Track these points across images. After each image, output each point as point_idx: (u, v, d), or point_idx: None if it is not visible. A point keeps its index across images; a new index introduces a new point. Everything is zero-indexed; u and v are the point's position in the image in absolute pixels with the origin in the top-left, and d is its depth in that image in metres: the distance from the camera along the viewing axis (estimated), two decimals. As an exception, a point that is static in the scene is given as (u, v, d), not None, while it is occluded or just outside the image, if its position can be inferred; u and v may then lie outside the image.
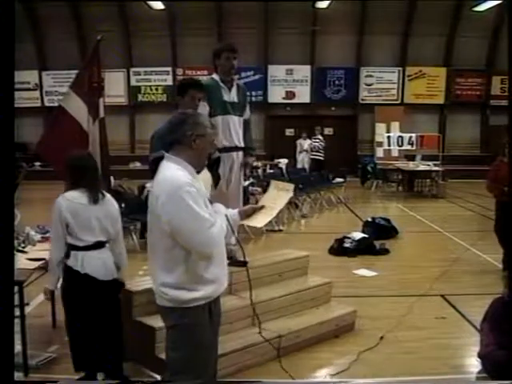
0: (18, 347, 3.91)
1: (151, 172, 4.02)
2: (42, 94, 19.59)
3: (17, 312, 3.87)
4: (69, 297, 3.76)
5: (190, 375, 2.84)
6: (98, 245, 3.75)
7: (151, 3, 17.44)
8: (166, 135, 3.01)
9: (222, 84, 4.69)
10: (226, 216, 2.88)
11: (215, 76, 4.74)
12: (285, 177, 13.55)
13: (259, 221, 3.14)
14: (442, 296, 6.11)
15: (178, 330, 2.83)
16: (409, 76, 19.73)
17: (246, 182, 9.42)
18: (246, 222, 3.17)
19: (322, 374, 4.35)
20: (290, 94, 19.82)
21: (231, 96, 4.74)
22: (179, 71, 19.28)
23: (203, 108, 4.47)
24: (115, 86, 18.95)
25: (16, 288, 3.91)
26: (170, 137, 2.83)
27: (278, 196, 3.30)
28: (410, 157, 16.61)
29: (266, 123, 19.59)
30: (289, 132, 19.85)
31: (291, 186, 3.44)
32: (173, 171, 2.71)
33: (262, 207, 3.09)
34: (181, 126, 2.79)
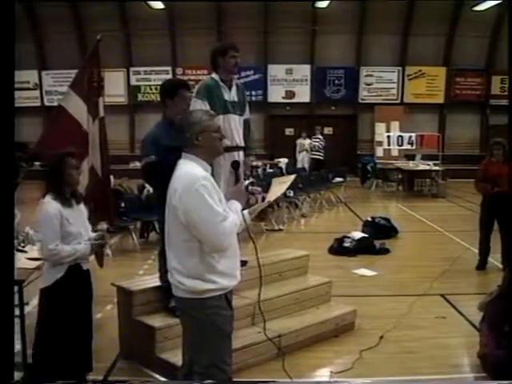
0: (17, 347, 3.91)
1: (144, 175, 4.03)
2: (41, 94, 19.57)
3: (16, 311, 3.88)
4: None
5: (214, 364, 2.95)
6: None
7: (151, 3, 17.43)
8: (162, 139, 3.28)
9: (221, 83, 4.66)
10: (243, 214, 3.04)
11: (214, 75, 4.69)
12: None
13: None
14: (442, 295, 6.11)
15: (199, 320, 2.94)
16: (408, 75, 19.72)
17: (246, 182, 9.40)
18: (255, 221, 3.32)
19: (322, 373, 4.36)
20: (290, 94, 19.81)
21: (231, 95, 4.71)
22: (179, 71, 19.27)
23: (202, 107, 4.45)
24: (115, 86, 18.92)
25: (16, 287, 3.92)
26: (181, 142, 3.03)
27: (279, 187, 3.44)
28: (410, 156, 16.61)
29: (265, 123, 19.58)
30: (289, 131, 19.84)
31: (292, 176, 3.65)
32: (189, 167, 2.92)
33: (268, 203, 3.24)
34: (181, 131, 3.00)
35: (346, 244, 8.14)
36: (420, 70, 19.63)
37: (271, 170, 15.15)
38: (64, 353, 3.60)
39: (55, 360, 3.59)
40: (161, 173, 3.65)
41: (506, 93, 18.62)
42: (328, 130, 19.45)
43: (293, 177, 3.62)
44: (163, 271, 4.15)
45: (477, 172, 7.20)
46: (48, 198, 3.61)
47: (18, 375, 3.80)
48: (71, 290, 3.64)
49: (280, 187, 3.42)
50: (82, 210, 3.77)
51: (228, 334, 3.05)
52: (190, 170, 2.90)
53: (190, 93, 4.17)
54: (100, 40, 4.66)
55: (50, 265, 3.64)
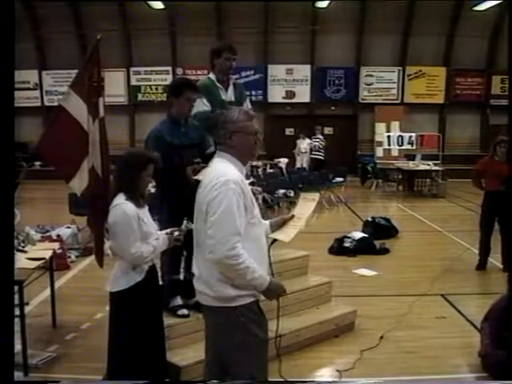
0: (17, 347, 3.92)
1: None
2: (41, 94, 19.61)
3: (17, 311, 3.88)
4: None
5: (253, 372, 2.85)
6: None
7: (151, 3, 17.46)
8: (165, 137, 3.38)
9: (218, 84, 4.67)
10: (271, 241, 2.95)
11: (211, 76, 4.71)
12: (284, 176, 13.56)
13: (287, 234, 3.11)
14: (442, 295, 6.11)
15: (233, 329, 2.79)
16: (409, 75, 19.73)
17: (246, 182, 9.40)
18: (274, 236, 3.13)
19: (322, 373, 4.36)
20: (290, 94, 19.82)
21: (228, 95, 4.72)
22: (179, 71, 19.30)
23: (203, 106, 4.45)
24: (115, 86, 18.97)
25: (16, 287, 3.92)
26: (213, 137, 2.96)
27: (305, 206, 3.31)
28: (410, 156, 16.62)
29: (265, 123, 19.55)
30: (289, 132, 19.85)
31: (317, 195, 3.47)
32: (223, 166, 2.80)
33: (292, 217, 3.16)
34: (216, 127, 2.90)
35: (346, 244, 8.14)
36: (420, 70, 19.64)
37: (271, 170, 15.18)
38: (142, 355, 3.52)
39: (136, 362, 3.50)
40: (163, 170, 3.65)
41: (506, 93, 18.64)
42: (328, 130, 19.47)
43: (318, 195, 3.46)
44: (164, 270, 4.16)
45: (475, 168, 7.27)
46: (122, 199, 3.44)
47: (18, 375, 3.80)
48: (150, 292, 3.53)
49: (305, 205, 3.28)
50: (147, 210, 3.61)
51: (264, 341, 2.93)
52: (222, 169, 2.76)
53: (196, 94, 4.18)
54: (100, 40, 4.65)
55: (128, 267, 3.44)
